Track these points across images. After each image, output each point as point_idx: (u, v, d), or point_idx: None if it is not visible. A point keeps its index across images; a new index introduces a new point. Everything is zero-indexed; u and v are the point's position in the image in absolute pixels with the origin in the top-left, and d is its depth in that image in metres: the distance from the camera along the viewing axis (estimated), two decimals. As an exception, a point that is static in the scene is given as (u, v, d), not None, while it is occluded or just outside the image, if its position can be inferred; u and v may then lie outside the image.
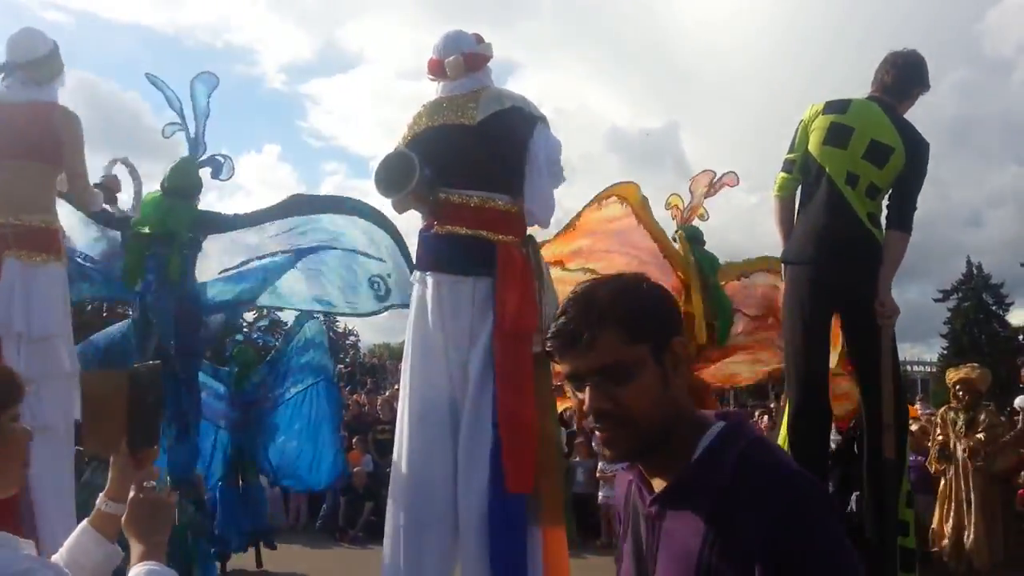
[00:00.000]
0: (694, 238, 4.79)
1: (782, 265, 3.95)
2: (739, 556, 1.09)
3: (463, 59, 3.50)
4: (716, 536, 1.12)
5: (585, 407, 1.19)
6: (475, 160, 3.38)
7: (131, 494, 1.57)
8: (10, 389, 1.51)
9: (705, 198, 4.94)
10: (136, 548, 1.53)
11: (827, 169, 3.64)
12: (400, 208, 3.50)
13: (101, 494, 1.66)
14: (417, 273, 3.53)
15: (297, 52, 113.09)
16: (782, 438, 3.69)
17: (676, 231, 4.99)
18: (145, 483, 1.58)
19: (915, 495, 4.19)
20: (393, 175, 3.29)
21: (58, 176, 3.94)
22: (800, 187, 3.83)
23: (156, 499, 1.58)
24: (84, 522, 1.66)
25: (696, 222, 5.06)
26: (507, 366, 3.26)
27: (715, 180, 4.97)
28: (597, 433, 1.22)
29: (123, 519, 1.57)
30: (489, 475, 3.20)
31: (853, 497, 6.06)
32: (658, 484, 1.24)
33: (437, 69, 3.56)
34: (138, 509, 1.56)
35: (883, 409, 3.48)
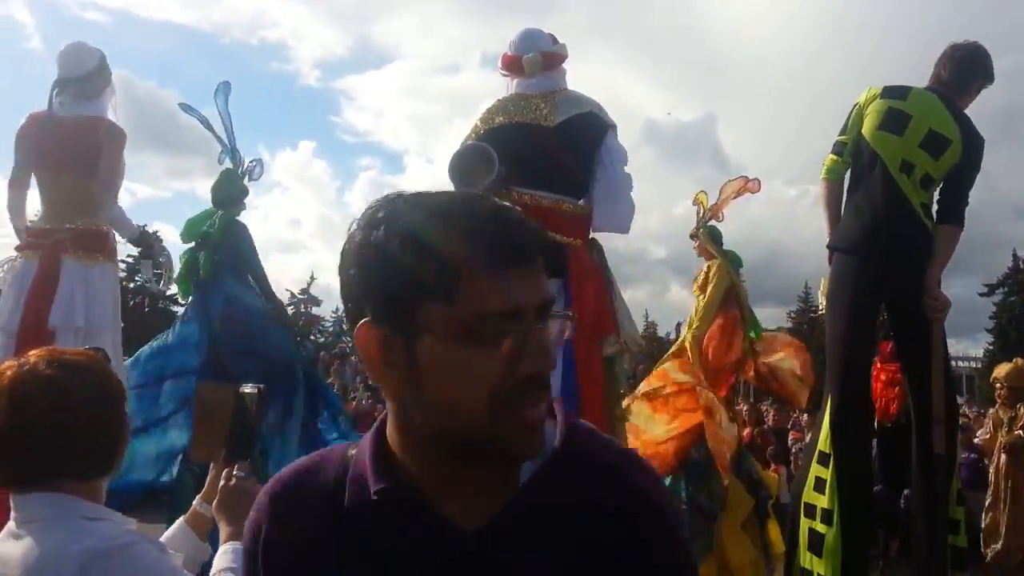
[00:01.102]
0: (716, 238, 4.84)
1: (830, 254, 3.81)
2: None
3: (541, 57, 3.52)
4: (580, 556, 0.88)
5: (548, 358, 0.86)
6: (550, 161, 3.39)
7: (221, 482, 1.75)
8: (121, 388, 1.68)
9: (731, 200, 4.97)
10: (224, 530, 1.70)
11: (881, 154, 3.54)
12: None
13: (198, 496, 1.88)
14: None
15: (331, 48, 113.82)
16: (823, 436, 3.61)
17: (698, 229, 5.03)
18: (235, 471, 1.75)
19: (965, 493, 4.09)
20: (468, 167, 3.29)
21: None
22: (850, 171, 3.74)
23: (243, 486, 1.73)
24: (181, 519, 1.86)
25: (712, 222, 5.08)
26: (585, 363, 3.28)
27: (744, 186, 4.98)
28: (533, 410, 0.86)
29: (214, 504, 1.75)
30: None
31: (905, 494, 5.96)
32: (453, 507, 0.88)
33: (513, 65, 3.58)
34: (227, 495, 1.73)
35: (933, 404, 3.39)
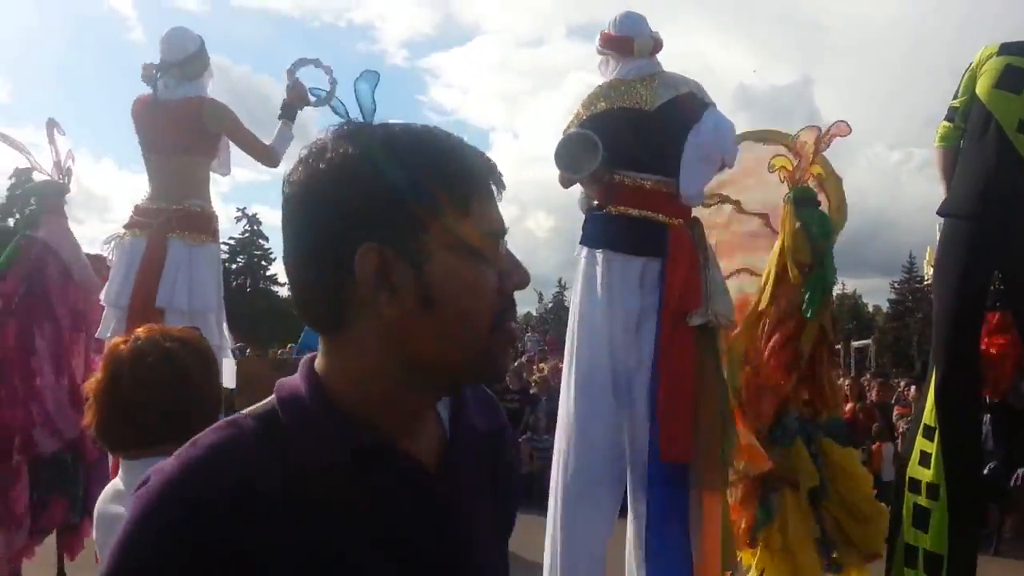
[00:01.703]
0: (803, 199, 4.36)
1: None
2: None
3: (653, 41, 3.63)
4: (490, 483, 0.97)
5: (523, 274, 0.88)
6: (650, 144, 3.48)
7: None
8: (215, 361, 1.77)
9: (816, 154, 4.54)
10: None
11: (996, 114, 3.34)
12: (569, 185, 3.66)
13: None
14: (584, 249, 3.64)
15: (416, 27, 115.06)
16: (928, 408, 3.45)
17: (787, 195, 4.63)
18: None
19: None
20: (574, 153, 3.42)
21: (211, 164, 4.35)
22: (964, 136, 3.55)
23: None
24: None
25: (809, 183, 4.66)
26: (669, 343, 3.39)
27: (822, 134, 4.57)
28: (513, 318, 0.88)
29: None
30: (651, 444, 3.36)
31: (1019, 473, 5.68)
32: (412, 448, 0.87)
33: (617, 44, 3.64)
34: None
35: (1051, 379, 3.21)
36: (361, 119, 0.94)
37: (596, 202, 3.65)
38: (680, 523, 3.34)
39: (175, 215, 4.13)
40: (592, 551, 3.40)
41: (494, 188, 0.86)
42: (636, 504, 3.45)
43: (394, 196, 0.79)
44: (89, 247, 4.79)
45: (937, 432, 3.36)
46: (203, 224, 4.22)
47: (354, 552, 0.80)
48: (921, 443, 3.43)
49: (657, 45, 3.66)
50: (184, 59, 4.20)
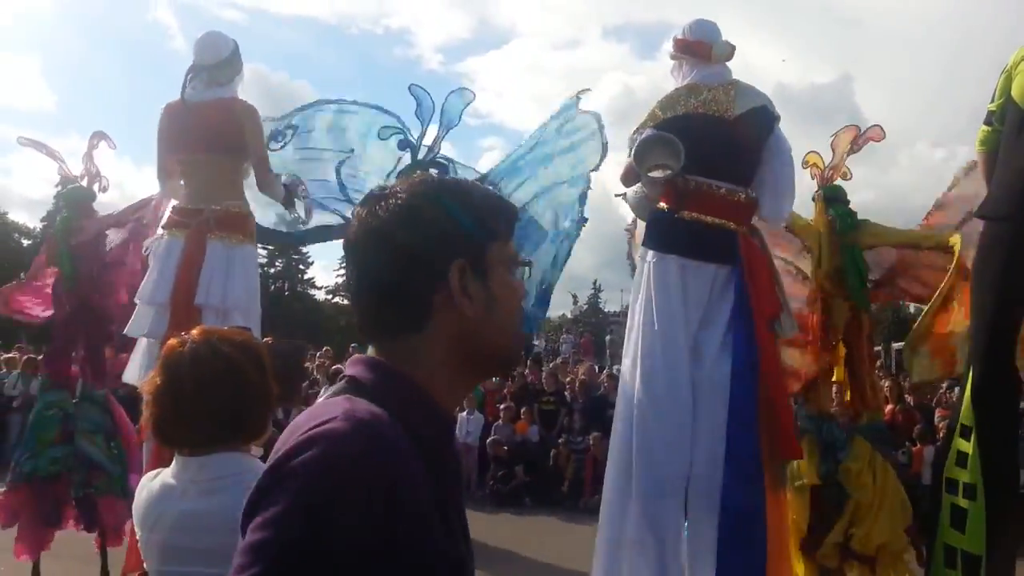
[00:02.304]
0: (834, 198, 4.44)
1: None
2: None
3: (731, 48, 3.69)
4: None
5: (523, 287, 1.20)
6: (727, 153, 3.56)
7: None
8: (266, 360, 1.81)
9: (848, 155, 4.57)
10: None
11: None
12: (632, 183, 3.74)
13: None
14: (651, 252, 3.66)
15: (452, 31, 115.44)
16: (964, 409, 3.43)
17: (817, 192, 4.68)
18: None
19: None
20: (656, 153, 3.47)
21: (244, 165, 4.37)
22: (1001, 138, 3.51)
23: None
24: None
25: (839, 181, 4.71)
26: (766, 346, 3.46)
27: (860, 136, 4.58)
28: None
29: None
30: (725, 446, 3.38)
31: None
32: None
33: (693, 49, 3.71)
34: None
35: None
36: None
37: (663, 205, 3.65)
38: (760, 525, 3.36)
39: (213, 216, 4.18)
40: (679, 552, 3.42)
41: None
42: (697, 513, 3.42)
43: (465, 229, 1.06)
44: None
45: (973, 432, 3.34)
46: (240, 224, 4.28)
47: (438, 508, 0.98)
48: (958, 443, 3.40)
49: (732, 51, 3.70)
50: (217, 63, 4.25)
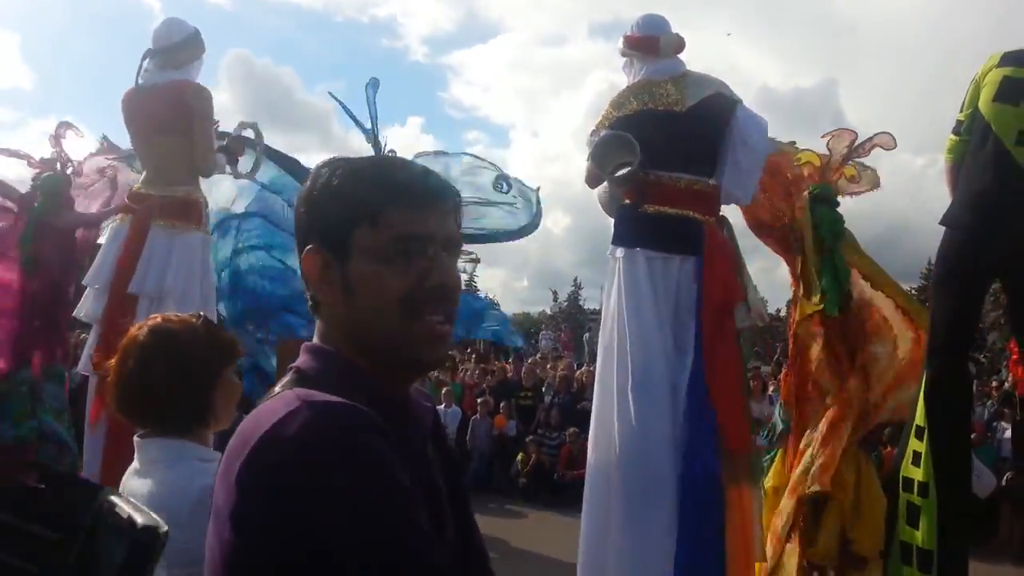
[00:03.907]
0: (822, 198, 4.18)
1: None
2: None
3: (678, 39, 3.70)
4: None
5: (450, 278, 1.06)
6: (683, 145, 3.56)
7: None
8: (232, 350, 1.82)
9: (847, 160, 4.42)
10: None
11: (994, 127, 3.38)
12: (597, 184, 3.75)
13: None
14: (620, 248, 3.68)
15: (438, 24, 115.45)
16: (919, 410, 3.54)
17: (808, 190, 4.49)
18: None
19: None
20: (612, 154, 3.50)
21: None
22: (968, 148, 3.59)
23: None
24: None
25: (842, 182, 4.57)
26: (717, 337, 3.47)
27: (858, 141, 4.46)
28: (439, 322, 1.05)
29: None
30: (709, 441, 3.40)
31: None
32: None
33: (642, 45, 3.72)
34: None
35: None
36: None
37: (628, 201, 3.68)
38: (718, 520, 3.36)
39: (158, 203, 4.14)
40: (666, 547, 3.37)
41: (430, 199, 1.06)
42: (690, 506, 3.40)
43: (329, 210, 1.05)
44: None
45: (926, 432, 3.46)
46: (186, 212, 4.22)
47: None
48: (913, 443, 3.51)
49: (681, 43, 3.71)
50: (169, 47, 4.22)
